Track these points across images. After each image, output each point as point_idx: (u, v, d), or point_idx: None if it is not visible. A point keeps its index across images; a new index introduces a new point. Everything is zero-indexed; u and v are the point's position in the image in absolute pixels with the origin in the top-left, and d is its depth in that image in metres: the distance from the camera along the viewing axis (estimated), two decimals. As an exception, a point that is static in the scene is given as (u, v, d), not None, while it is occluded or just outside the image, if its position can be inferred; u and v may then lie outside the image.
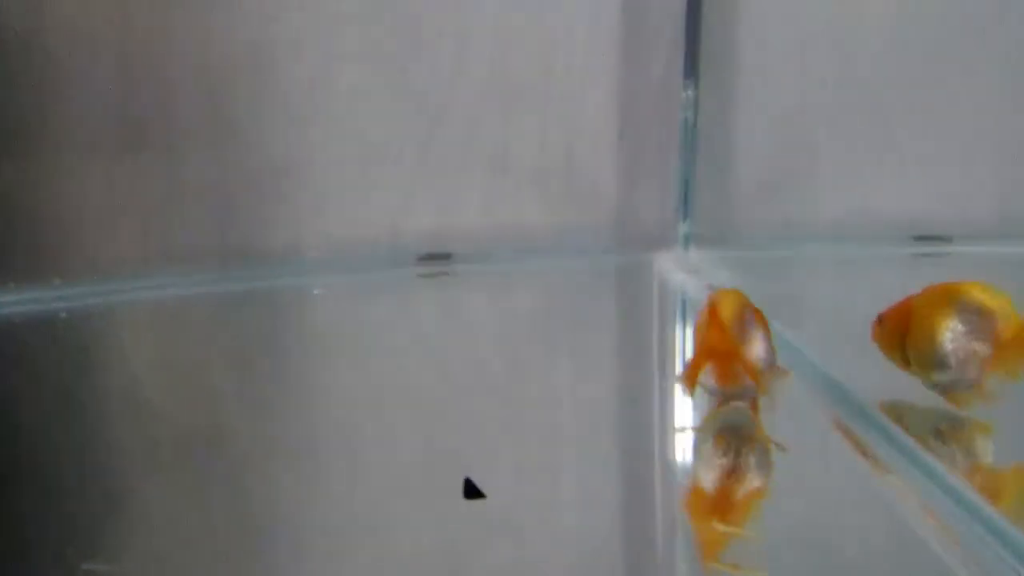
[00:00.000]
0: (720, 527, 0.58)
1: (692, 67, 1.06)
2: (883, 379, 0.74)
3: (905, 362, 0.68)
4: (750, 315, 0.69)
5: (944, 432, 0.65)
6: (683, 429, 0.74)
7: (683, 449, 0.73)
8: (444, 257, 1.07)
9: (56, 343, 0.93)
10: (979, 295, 0.65)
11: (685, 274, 1.04)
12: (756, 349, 0.68)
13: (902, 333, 0.67)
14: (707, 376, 0.68)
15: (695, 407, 0.72)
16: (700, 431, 0.71)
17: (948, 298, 0.65)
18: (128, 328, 0.98)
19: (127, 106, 0.98)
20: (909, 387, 0.74)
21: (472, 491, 0.62)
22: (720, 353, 0.67)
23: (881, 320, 0.70)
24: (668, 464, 0.71)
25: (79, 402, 0.80)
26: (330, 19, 1.01)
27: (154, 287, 1.01)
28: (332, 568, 0.58)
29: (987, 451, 0.64)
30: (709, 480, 0.63)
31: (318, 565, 0.58)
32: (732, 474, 0.63)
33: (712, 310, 0.68)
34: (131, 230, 1.01)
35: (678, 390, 0.78)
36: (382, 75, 1.03)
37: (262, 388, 0.82)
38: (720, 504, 0.60)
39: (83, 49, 0.95)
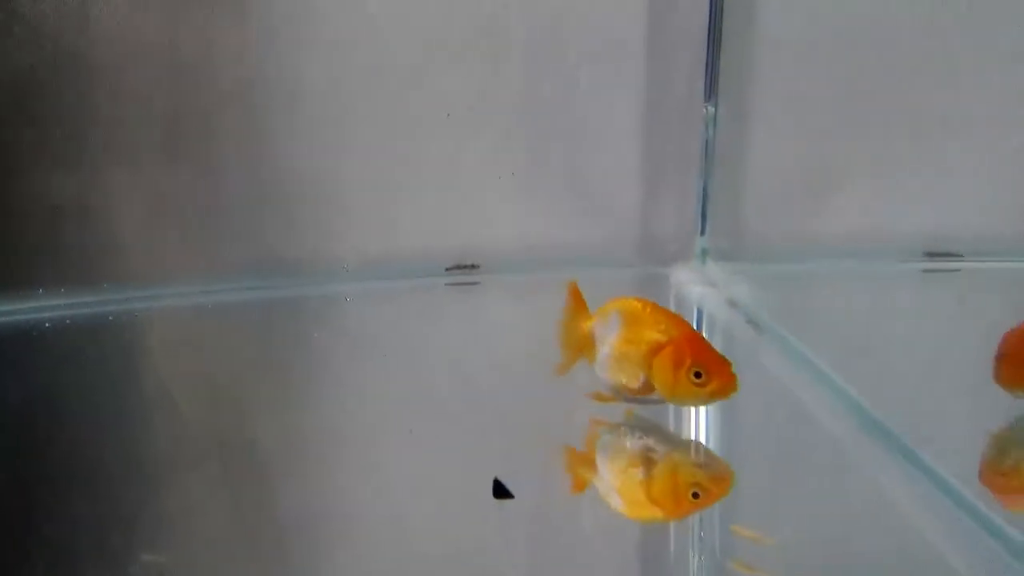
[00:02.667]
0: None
1: (712, 85, 1.08)
2: (891, 390, 0.78)
3: None
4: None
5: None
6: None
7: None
8: (471, 267, 1.10)
9: (104, 344, 0.97)
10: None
11: (702, 287, 1.06)
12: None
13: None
14: None
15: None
16: None
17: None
18: (169, 331, 1.02)
19: (169, 120, 1.01)
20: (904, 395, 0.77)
21: (501, 491, 0.64)
22: None
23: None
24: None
25: (124, 399, 0.83)
26: (364, 39, 1.04)
27: (194, 293, 1.04)
28: (355, 567, 0.60)
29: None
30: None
31: (342, 563, 0.61)
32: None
33: None
34: (173, 239, 1.05)
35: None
36: (413, 92, 1.06)
37: (294, 391, 0.85)
38: None
39: (129, 65, 0.99)
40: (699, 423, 0.76)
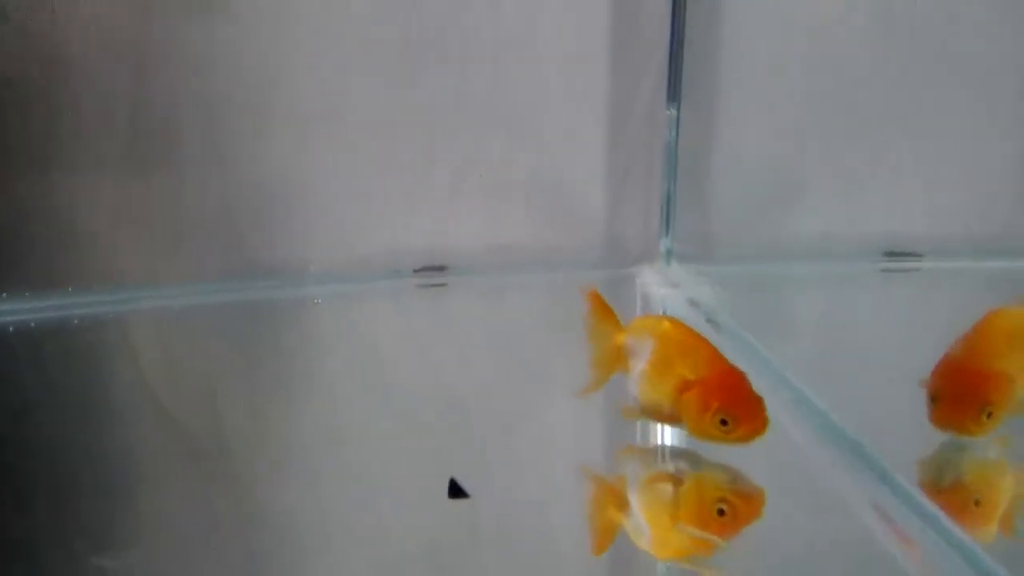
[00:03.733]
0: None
1: (675, 90, 1.10)
2: (847, 389, 0.79)
3: None
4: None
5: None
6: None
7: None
8: (439, 269, 1.11)
9: (69, 348, 0.96)
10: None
11: (666, 288, 1.08)
12: None
13: None
14: None
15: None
16: None
17: None
18: (137, 335, 1.01)
19: (136, 123, 1.01)
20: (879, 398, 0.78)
21: (456, 491, 0.64)
22: None
23: None
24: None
25: (91, 404, 0.83)
26: (333, 43, 1.04)
27: (161, 296, 1.04)
28: (328, 567, 0.61)
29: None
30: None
31: (315, 564, 0.61)
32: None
33: None
34: (139, 242, 1.04)
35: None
36: (383, 98, 1.06)
37: (263, 393, 0.85)
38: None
39: (95, 70, 0.98)
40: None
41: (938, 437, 0.67)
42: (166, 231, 1.05)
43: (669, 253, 1.13)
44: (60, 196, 1.01)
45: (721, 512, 0.59)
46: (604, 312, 0.72)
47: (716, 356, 0.65)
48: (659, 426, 0.73)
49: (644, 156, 1.12)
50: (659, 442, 0.73)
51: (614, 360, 0.71)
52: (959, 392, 0.65)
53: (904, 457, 0.67)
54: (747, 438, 0.62)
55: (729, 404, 0.62)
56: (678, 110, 1.10)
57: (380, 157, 1.08)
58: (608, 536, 0.62)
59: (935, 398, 0.66)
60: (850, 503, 0.65)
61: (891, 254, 1.13)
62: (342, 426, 0.79)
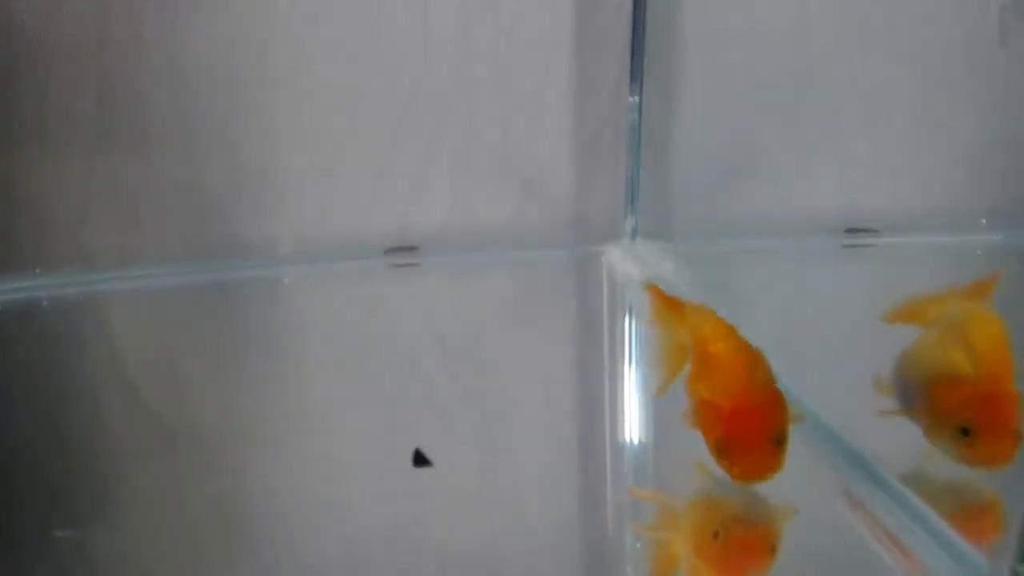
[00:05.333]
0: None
1: (637, 71, 1.11)
2: (807, 362, 0.81)
3: None
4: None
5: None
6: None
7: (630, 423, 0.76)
8: (410, 249, 1.11)
9: (38, 330, 0.96)
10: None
11: (631, 265, 1.09)
12: None
13: None
14: None
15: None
16: None
17: None
18: (105, 316, 1.01)
19: (102, 104, 1.00)
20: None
21: (420, 460, 0.66)
22: None
23: None
24: (616, 438, 0.75)
25: (60, 386, 0.83)
26: (298, 23, 1.04)
27: (130, 277, 1.03)
28: (306, 547, 0.62)
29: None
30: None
31: (293, 544, 0.62)
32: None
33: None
34: (107, 222, 1.03)
35: (624, 370, 0.82)
36: (348, 78, 1.06)
37: (234, 373, 0.86)
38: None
39: (60, 49, 0.97)
40: (625, 396, 0.79)
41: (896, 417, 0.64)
42: (134, 212, 1.04)
43: (634, 231, 1.14)
44: (27, 176, 1.00)
45: (716, 535, 0.53)
46: (667, 306, 0.64)
47: (745, 376, 0.55)
48: (628, 418, 0.73)
49: (609, 136, 1.13)
50: (627, 434, 0.74)
51: (679, 356, 0.62)
52: (1001, 426, 0.55)
53: (866, 436, 0.67)
54: (744, 478, 0.54)
55: (730, 438, 0.53)
56: (640, 91, 1.11)
57: (348, 137, 1.08)
58: (670, 566, 0.57)
59: (971, 433, 0.55)
60: (812, 482, 0.64)
61: (851, 230, 1.15)
62: (313, 406, 0.80)
